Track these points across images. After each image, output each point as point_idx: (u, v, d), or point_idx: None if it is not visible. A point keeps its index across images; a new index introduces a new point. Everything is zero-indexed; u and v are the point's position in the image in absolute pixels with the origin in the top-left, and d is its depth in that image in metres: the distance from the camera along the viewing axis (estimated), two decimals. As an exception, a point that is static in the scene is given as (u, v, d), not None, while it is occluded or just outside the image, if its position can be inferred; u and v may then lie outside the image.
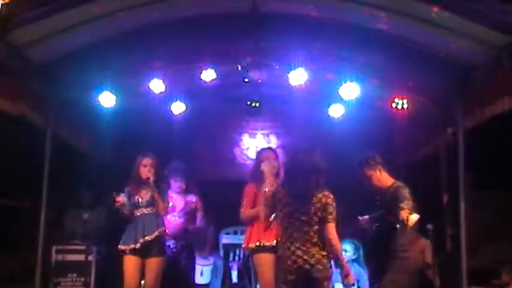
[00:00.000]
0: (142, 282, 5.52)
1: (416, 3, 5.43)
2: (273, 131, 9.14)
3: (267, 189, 5.00)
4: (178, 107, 7.75)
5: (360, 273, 7.05)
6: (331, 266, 4.48)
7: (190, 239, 6.24)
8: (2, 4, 4.67)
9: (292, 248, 4.35)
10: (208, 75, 6.82)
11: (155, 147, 6.46)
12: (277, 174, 5.29)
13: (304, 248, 4.33)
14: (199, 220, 6.18)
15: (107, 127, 7.49)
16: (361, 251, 7.20)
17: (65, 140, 7.03)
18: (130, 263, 5.38)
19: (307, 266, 4.31)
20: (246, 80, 6.86)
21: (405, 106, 7.11)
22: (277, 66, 6.66)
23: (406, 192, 4.80)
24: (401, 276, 4.71)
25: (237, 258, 7.75)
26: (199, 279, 7.34)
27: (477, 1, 5.14)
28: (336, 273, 4.76)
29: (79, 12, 5.46)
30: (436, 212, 6.81)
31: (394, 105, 7.17)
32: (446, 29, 5.63)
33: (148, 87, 6.90)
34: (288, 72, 6.72)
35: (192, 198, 6.16)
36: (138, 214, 5.49)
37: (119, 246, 5.47)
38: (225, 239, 7.82)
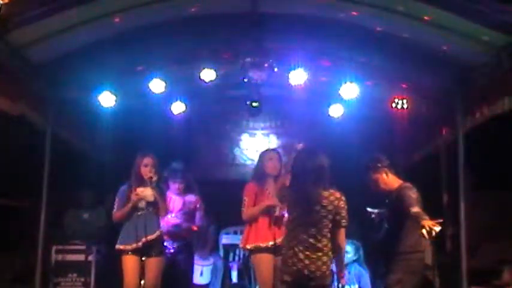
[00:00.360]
0: (142, 282, 5.51)
1: (417, 3, 5.43)
2: (273, 131, 9.14)
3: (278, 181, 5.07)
4: (178, 107, 7.75)
5: (360, 274, 7.05)
6: (331, 273, 4.37)
7: (189, 239, 6.22)
8: (2, 4, 4.66)
9: (295, 249, 4.22)
10: (208, 75, 6.81)
11: (155, 147, 6.45)
12: (278, 175, 5.31)
13: (307, 253, 4.20)
14: (199, 220, 6.16)
15: (107, 127, 7.49)
16: (361, 252, 7.20)
17: (65, 140, 7.03)
18: (130, 263, 5.36)
19: (306, 272, 4.19)
20: (246, 80, 6.86)
21: (405, 106, 7.12)
22: (276, 69, 6.65)
23: (412, 193, 4.64)
24: (408, 277, 4.66)
25: (237, 258, 7.75)
26: (199, 279, 7.34)
27: (477, 1, 5.14)
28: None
29: (79, 12, 5.45)
30: (436, 212, 6.80)
31: (394, 105, 7.17)
32: (446, 29, 5.63)
33: (148, 87, 6.90)
34: (288, 72, 6.72)
35: (191, 197, 6.15)
36: (139, 214, 5.47)
37: (118, 246, 5.42)
38: (225, 239, 7.82)
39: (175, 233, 6.01)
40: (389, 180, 4.93)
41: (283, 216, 5.03)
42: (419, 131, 7.59)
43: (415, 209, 4.41)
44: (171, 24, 6.15)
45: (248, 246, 5.29)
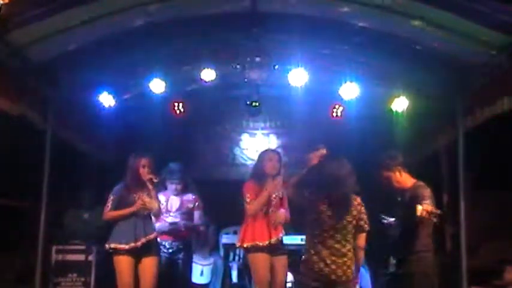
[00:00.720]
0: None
1: (417, 3, 5.43)
2: (273, 131, 9.15)
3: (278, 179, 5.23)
4: (178, 107, 7.75)
5: (361, 274, 7.04)
6: (354, 277, 4.45)
7: (188, 238, 6.21)
8: (2, 4, 4.66)
9: (322, 255, 4.25)
10: (208, 75, 6.82)
11: (155, 147, 6.47)
12: (277, 175, 5.34)
13: (334, 258, 4.24)
14: (197, 219, 6.15)
15: (107, 127, 7.49)
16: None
17: (65, 140, 7.02)
18: (126, 264, 5.31)
19: (333, 277, 4.23)
20: (246, 80, 6.87)
21: (405, 106, 7.12)
22: (276, 67, 6.65)
23: (426, 191, 4.60)
24: (421, 277, 4.61)
25: (237, 258, 7.74)
26: (199, 279, 7.34)
27: (477, 1, 5.14)
28: None
29: (79, 12, 5.46)
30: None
31: (393, 105, 7.18)
32: (446, 29, 5.64)
33: (149, 87, 6.91)
34: (288, 72, 6.72)
35: (189, 197, 6.13)
36: (137, 214, 5.46)
37: (114, 245, 5.31)
38: (225, 239, 7.81)
39: (174, 232, 6.00)
40: (403, 179, 4.83)
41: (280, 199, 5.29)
42: (419, 131, 7.59)
43: (426, 202, 4.39)
44: (171, 24, 6.15)
45: (245, 245, 5.29)
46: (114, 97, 7.02)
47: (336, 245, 4.26)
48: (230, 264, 7.72)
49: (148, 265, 5.38)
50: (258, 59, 6.51)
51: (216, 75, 6.83)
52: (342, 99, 7.19)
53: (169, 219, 5.97)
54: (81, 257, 7.03)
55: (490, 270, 6.56)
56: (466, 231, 6.41)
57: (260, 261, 5.24)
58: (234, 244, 7.66)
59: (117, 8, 5.70)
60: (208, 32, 6.33)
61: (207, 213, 6.61)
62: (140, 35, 6.13)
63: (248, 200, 5.29)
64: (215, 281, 7.55)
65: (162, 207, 5.78)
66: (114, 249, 5.33)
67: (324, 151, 5.26)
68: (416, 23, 5.63)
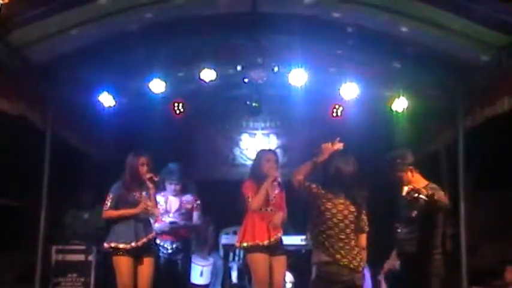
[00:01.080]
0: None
1: (417, 3, 5.43)
2: (273, 131, 9.14)
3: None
4: (178, 107, 7.75)
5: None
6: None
7: (188, 238, 6.20)
8: (2, 4, 4.66)
9: (338, 256, 4.14)
10: (208, 75, 6.82)
11: (155, 147, 6.45)
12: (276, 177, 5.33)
13: (350, 258, 4.15)
14: (196, 219, 6.14)
15: (107, 127, 7.49)
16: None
17: (65, 140, 7.02)
18: (127, 263, 5.28)
19: (352, 265, 4.14)
20: (246, 80, 6.87)
21: (405, 106, 7.12)
22: (276, 68, 6.65)
23: (440, 194, 4.48)
24: (433, 278, 4.56)
25: (237, 258, 7.73)
26: (198, 280, 7.33)
27: (477, 1, 5.14)
28: None
29: (79, 12, 5.46)
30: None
31: (393, 105, 7.18)
32: (447, 29, 5.64)
33: (149, 87, 6.91)
34: (288, 72, 6.73)
35: (188, 197, 6.12)
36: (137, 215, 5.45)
37: (114, 245, 5.26)
38: (225, 239, 7.80)
39: (173, 232, 5.99)
40: (414, 179, 4.63)
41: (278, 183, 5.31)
42: (419, 131, 7.59)
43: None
44: (172, 24, 6.15)
45: (244, 244, 5.29)
46: (114, 97, 7.02)
47: (340, 243, 4.20)
48: (230, 265, 7.70)
49: (146, 265, 5.36)
50: (259, 60, 6.52)
51: (216, 75, 6.83)
52: (342, 99, 7.19)
53: (168, 220, 5.97)
54: (81, 257, 7.02)
55: (490, 270, 6.56)
56: (466, 231, 6.41)
57: (259, 261, 5.24)
58: (233, 244, 7.67)
59: (117, 8, 5.70)
60: (208, 32, 6.33)
61: (205, 213, 6.60)
62: (140, 35, 6.14)
63: (249, 195, 5.29)
64: (215, 281, 7.55)
65: (161, 208, 5.77)
66: (114, 248, 5.29)
67: (340, 145, 5.11)
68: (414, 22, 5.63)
